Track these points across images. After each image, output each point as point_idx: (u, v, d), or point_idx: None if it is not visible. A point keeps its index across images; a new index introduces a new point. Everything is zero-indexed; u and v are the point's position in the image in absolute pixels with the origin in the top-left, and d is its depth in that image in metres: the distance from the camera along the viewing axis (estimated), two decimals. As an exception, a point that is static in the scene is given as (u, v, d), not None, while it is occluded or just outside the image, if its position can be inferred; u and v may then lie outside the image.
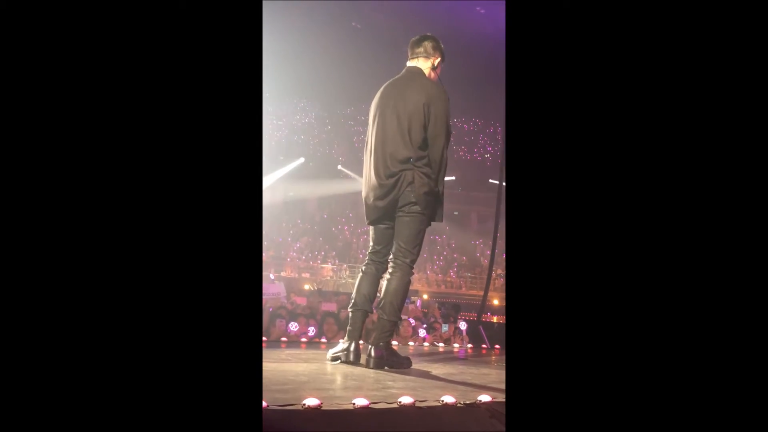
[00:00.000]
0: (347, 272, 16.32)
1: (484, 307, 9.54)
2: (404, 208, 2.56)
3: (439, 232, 19.95)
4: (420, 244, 2.63)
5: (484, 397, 1.75)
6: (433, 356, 3.49)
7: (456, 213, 20.82)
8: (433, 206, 2.61)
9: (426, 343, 4.95)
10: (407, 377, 2.36)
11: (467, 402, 1.70)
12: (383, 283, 2.64)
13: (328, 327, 5.33)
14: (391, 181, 2.53)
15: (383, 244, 2.66)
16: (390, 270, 2.62)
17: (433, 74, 2.70)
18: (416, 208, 2.54)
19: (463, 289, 16.80)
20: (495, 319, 12.06)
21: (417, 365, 2.81)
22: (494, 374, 2.73)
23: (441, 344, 4.87)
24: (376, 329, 2.58)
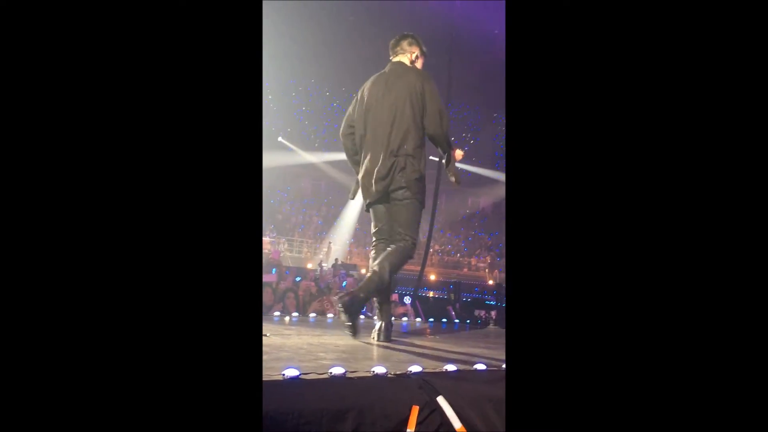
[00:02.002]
0: (285, 245, 16.17)
1: (420, 281, 9.71)
2: (397, 193, 2.70)
3: (380, 208, 20.01)
4: (417, 227, 2.78)
5: (415, 368, 1.78)
6: (368, 328, 3.52)
7: (396, 189, 20.91)
8: (423, 189, 2.77)
9: (362, 316, 4.99)
10: (339, 349, 2.37)
11: (398, 373, 1.72)
12: (388, 251, 2.75)
13: (267, 296, 5.32)
14: (389, 163, 2.67)
15: (384, 221, 2.81)
16: (392, 246, 2.75)
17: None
18: (408, 193, 2.69)
19: (402, 264, 16.97)
20: (431, 294, 12.31)
21: (353, 338, 2.83)
22: (427, 346, 2.78)
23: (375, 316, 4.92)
24: (365, 280, 2.71)
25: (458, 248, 19.58)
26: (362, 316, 5.00)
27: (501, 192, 20.49)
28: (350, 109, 2.95)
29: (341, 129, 2.99)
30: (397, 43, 2.96)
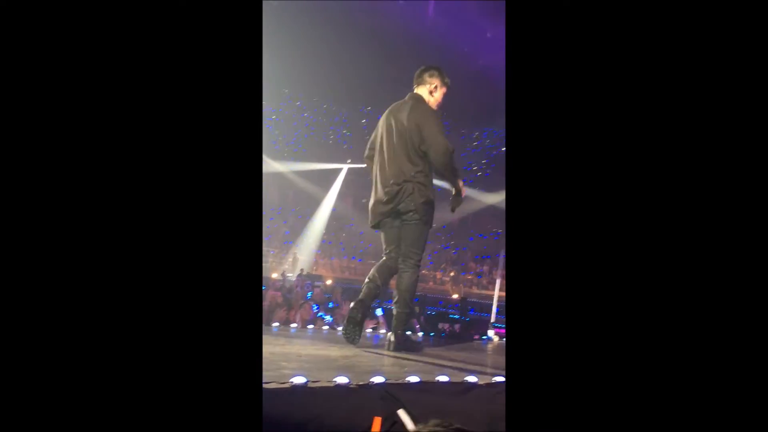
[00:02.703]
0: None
1: (385, 294, 9.65)
2: (406, 216, 3.03)
3: (346, 220, 19.99)
4: (423, 246, 3.13)
5: (378, 379, 1.78)
6: (332, 340, 3.50)
7: (364, 201, 20.93)
8: (431, 212, 3.08)
9: (326, 327, 4.96)
10: (301, 358, 2.35)
11: (360, 383, 1.72)
12: (396, 282, 3.13)
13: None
14: (394, 190, 2.98)
15: (394, 244, 3.12)
16: (400, 270, 3.10)
17: (431, 99, 3.17)
18: (416, 216, 3.01)
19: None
20: (396, 306, 12.24)
21: (315, 348, 2.80)
22: (390, 357, 2.78)
23: (340, 327, 4.89)
24: (394, 320, 3.08)
25: (423, 262, 19.67)
26: (326, 326, 4.97)
27: (468, 207, 20.68)
28: (374, 133, 3.27)
29: (365, 152, 3.32)
30: (420, 75, 3.20)
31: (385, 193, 3.02)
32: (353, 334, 3.00)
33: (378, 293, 3.16)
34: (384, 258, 3.18)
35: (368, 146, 3.30)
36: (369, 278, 3.14)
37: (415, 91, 3.20)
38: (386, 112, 3.19)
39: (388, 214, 3.06)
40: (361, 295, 3.10)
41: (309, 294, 7.73)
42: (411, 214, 3.02)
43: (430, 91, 3.18)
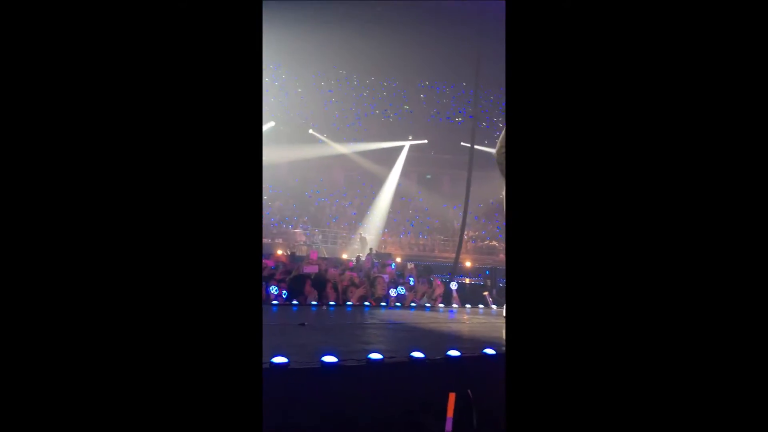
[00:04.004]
0: (320, 237, 16.30)
1: (456, 268, 9.70)
2: None
3: (412, 196, 20.01)
4: None
5: (453, 353, 1.79)
6: (404, 314, 3.55)
7: (428, 176, 20.84)
8: None
9: (398, 304, 5.02)
10: (381, 332, 2.40)
11: (435, 358, 1.74)
12: None
13: (309, 289, 5.41)
14: None
15: None
16: None
17: None
18: None
19: (436, 251, 16.97)
20: (467, 280, 12.24)
21: (391, 326, 2.84)
22: (465, 331, 2.79)
23: (414, 303, 4.95)
24: None
25: (493, 234, 19.44)
26: (398, 303, 5.02)
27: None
28: (505, 131, 3.26)
29: (497, 148, 3.38)
30: None
31: None
32: None
33: None
34: None
35: (499, 143, 3.41)
36: None
37: None
38: None
39: None
40: None
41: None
42: None
43: None
